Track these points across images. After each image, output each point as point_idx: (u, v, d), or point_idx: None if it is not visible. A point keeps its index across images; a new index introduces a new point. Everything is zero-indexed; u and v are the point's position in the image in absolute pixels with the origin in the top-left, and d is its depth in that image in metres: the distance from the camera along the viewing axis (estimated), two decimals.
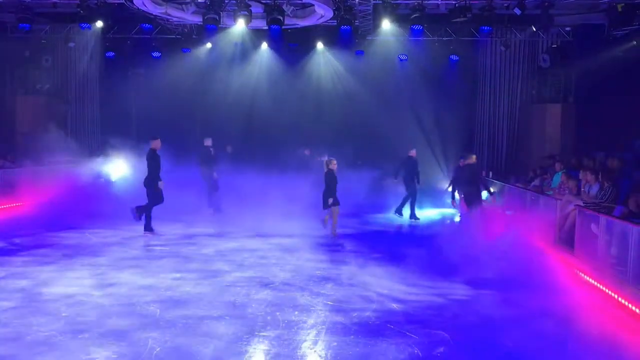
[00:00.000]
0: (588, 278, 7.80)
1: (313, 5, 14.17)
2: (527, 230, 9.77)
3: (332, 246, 10.38)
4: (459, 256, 8.79)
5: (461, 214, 13.48)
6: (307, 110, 17.71)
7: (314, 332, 5.84)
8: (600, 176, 9.62)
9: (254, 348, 5.40)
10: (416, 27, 14.69)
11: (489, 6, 13.69)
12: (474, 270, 8.08)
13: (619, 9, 13.19)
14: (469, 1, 13.76)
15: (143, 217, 10.88)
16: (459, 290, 7.48)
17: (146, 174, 10.78)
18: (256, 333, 5.77)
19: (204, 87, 18.08)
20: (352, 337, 5.71)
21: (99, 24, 15.68)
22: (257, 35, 16.65)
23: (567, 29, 16.64)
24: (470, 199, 10.92)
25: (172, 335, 5.63)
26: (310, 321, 6.16)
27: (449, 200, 14.69)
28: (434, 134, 17.23)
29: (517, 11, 13.44)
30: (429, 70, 17.48)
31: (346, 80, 18.40)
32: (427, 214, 14.23)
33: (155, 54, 17.66)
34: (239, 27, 14.33)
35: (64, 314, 6.21)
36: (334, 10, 13.96)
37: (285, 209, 12.19)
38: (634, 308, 6.50)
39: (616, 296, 6.94)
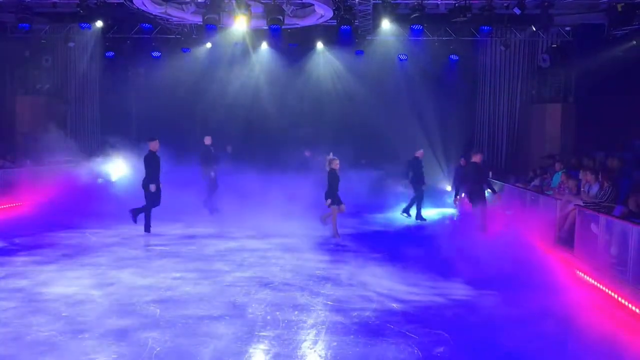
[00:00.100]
0: (588, 278, 7.80)
1: (313, 5, 14.18)
2: (527, 230, 9.78)
3: (332, 246, 10.38)
4: (459, 256, 8.80)
5: (461, 212, 13.50)
6: (307, 110, 17.73)
7: (313, 332, 5.84)
8: (600, 176, 9.61)
9: (254, 348, 5.40)
10: (416, 27, 14.69)
11: (488, 6, 13.69)
12: (474, 270, 8.08)
13: (619, 9, 13.19)
14: (468, 1, 13.77)
15: (142, 218, 10.87)
16: (459, 290, 7.48)
17: (144, 175, 10.78)
18: (256, 333, 5.77)
19: (204, 87, 18.08)
20: (352, 337, 5.71)
21: (99, 23, 15.70)
22: (257, 35, 16.65)
23: (567, 28, 16.65)
24: (474, 197, 10.89)
25: (172, 335, 5.63)
26: (310, 321, 6.16)
27: (450, 200, 14.74)
28: (434, 133, 17.24)
29: (517, 11, 13.44)
30: (429, 70, 17.49)
31: (346, 80, 18.40)
32: (427, 213, 14.22)
33: (155, 54, 17.66)
34: (239, 27, 14.34)
35: (64, 314, 6.21)
36: (333, 10, 13.96)
37: (285, 209, 12.21)
38: (634, 308, 6.50)
39: (616, 296, 6.94)
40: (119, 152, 15.08)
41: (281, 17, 13.59)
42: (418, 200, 13.55)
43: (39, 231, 10.86)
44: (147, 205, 10.78)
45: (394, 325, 6.06)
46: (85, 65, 18.17)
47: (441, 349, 5.42)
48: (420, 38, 16.13)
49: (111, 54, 17.55)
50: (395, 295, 7.22)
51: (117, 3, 14.50)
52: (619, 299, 6.84)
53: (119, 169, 15.53)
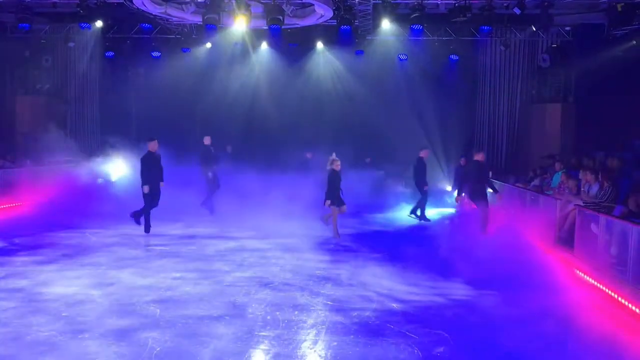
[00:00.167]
0: (588, 278, 7.80)
1: (313, 5, 14.17)
2: (527, 230, 9.78)
3: (332, 246, 10.38)
4: (459, 256, 8.80)
5: (460, 212, 13.48)
6: (307, 110, 17.72)
7: (313, 331, 5.84)
8: (600, 176, 9.62)
9: (254, 348, 5.40)
10: (416, 26, 14.69)
11: (488, 6, 13.69)
12: (474, 270, 8.07)
13: (619, 9, 13.19)
14: (468, 1, 13.76)
15: (142, 219, 10.88)
16: (459, 290, 7.48)
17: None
18: (256, 333, 5.77)
19: (204, 87, 18.08)
20: (352, 336, 5.71)
21: (99, 23, 15.69)
22: (257, 35, 16.65)
23: (567, 28, 16.64)
24: (476, 196, 10.86)
25: (172, 335, 5.63)
26: (310, 321, 6.16)
27: (451, 200, 14.73)
28: (434, 133, 17.24)
29: (517, 11, 13.44)
30: (429, 70, 17.49)
31: (346, 80, 18.40)
32: (427, 213, 14.21)
33: (155, 54, 17.66)
34: (239, 27, 14.34)
35: (64, 314, 6.21)
36: (333, 10, 13.96)
37: (285, 209, 12.21)
38: (634, 308, 6.50)
39: (616, 296, 6.94)
40: (119, 152, 15.08)
41: (281, 17, 13.59)
42: (423, 201, 13.50)
43: (39, 231, 10.86)
44: (145, 206, 10.77)
45: (394, 325, 6.06)
46: (85, 65, 18.16)
47: (441, 349, 5.42)
48: (420, 38, 16.13)
49: (111, 54, 17.55)
50: (395, 295, 7.22)
51: (117, 3, 14.50)
52: (619, 298, 6.84)
53: (118, 169, 15.53)
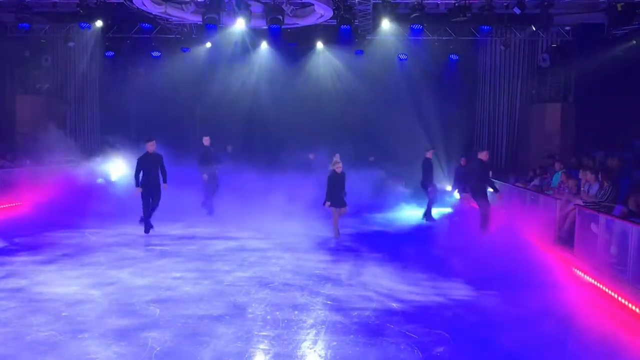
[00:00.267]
0: (588, 277, 7.80)
1: (313, 4, 14.17)
2: (527, 229, 9.77)
3: (332, 246, 10.37)
4: (459, 256, 8.81)
5: (460, 211, 13.46)
6: (307, 109, 17.70)
7: (313, 331, 5.84)
8: (599, 176, 9.62)
9: (254, 348, 5.40)
10: (416, 26, 14.66)
11: (488, 5, 13.67)
12: (474, 269, 8.08)
13: (619, 8, 13.17)
14: (468, 1, 13.75)
15: (154, 218, 10.87)
16: (459, 290, 7.48)
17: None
18: (256, 333, 5.77)
19: (204, 87, 18.07)
20: (351, 336, 5.71)
21: (99, 23, 15.67)
22: (257, 34, 16.64)
23: (567, 28, 16.64)
24: (478, 195, 10.83)
25: (172, 335, 5.63)
26: (310, 321, 6.16)
27: (451, 199, 14.71)
28: (433, 133, 17.22)
29: (517, 10, 13.43)
30: (429, 69, 17.48)
31: (346, 80, 18.39)
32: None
33: (155, 54, 17.64)
34: (239, 26, 14.32)
35: (64, 314, 6.21)
36: (333, 10, 13.95)
37: (285, 208, 12.21)
38: (633, 308, 6.50)
39: (616, 295, 6.94)
40: (119, 151, 15.07)
41: (281, 17, 13.58)
42: (430, 202, 13.47)
43: (38, 231, 10.85)
44: (143, 207, 10.74)
45: (394, 325, 6.06)
46: (85, 65, 18.15)
47: (441, 349, 5.42)
48: (420, 38, 16.11)
49: (111, 53, 17.53)
50: (395, 295, 7.22)
51: (116, 3, 14.49)
52: (619, 298, 6.85)
53: (118, 168, 15.52)
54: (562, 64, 16.54)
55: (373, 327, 5.99)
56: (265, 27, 14.22)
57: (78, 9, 14.07)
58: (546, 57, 16.79)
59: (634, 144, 12.81)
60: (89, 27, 15.44)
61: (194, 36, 17.29)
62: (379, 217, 13.92)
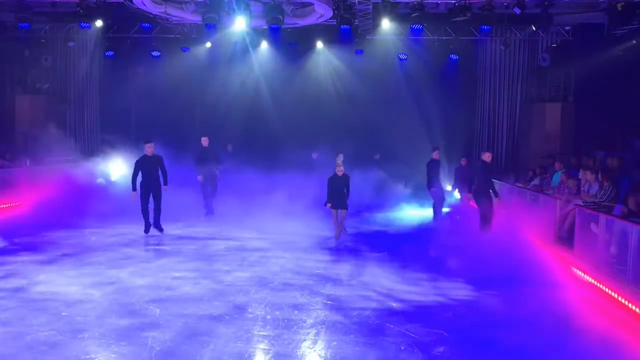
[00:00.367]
0: (587, 277, 7.80)
1: (313, 4, 14.16)
2: (527, 229, 9.77)
3: (332, 245, 10.37)
4: (459, 255, 8.81)
5: (455, 210, 13.45)
6: (307, 109, 17.70)
7: (313, 331, 5.84)
8: (599, 175, 9.62)
9: (254, 347, 5.40)
10: (416, 26, 14.68)
11: (488, 5, 13.66)
12: (474, 269, 8.08)
13: (619, 8, 13.15)
14: (468, 0, 13.75)
15: (160, 221, 10.89)
16: (459, 290, 7.48)
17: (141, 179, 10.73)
18: (256, 333, 5.77)
19: (204, 87, 18.07)
20: (351, 336, 5.71)
21: (99, 23, 15.67)
22: (257, 34, 16.63)
23: (567, 28, 16.63)
24: (479, 195, 10.80)
25: (171, 335, 5.63)
26: (310, 320, 6.16)
27: (452, 199, 14.70)
28: (433, 133, 17.21)
29: (517, 10, 13.42)
30: (429, 69, 17.48)
31: (346, 80, 18.38)
32: (427, 213, 14.22)
33: (155, 53, 17.64)
34: (239, 26, 14.31)
35: (63, 314, 6.21)
36: (333, 10, 13.95)
37: (285, 208, 12.20)
38: (633, 307, 6.51)
39: (616, 295, 6.94)
40: (119, 151, 15.06)
41: (281, 17, 13.58)
42: (436, 203, 13.44)
43: (38, 231, 10.85)
44: (141, 207, 10.69)
45: (394, 324, 6.06)
46: (85, 65, 18.13)
47: (441, 349, 5.42)
48: (420, 37, 16.08)
49: (111, 53, 17.53)
50: (396, 294, 7.22)
51: (116, 2, 14.48)
52: (619, 298, 6.85)
53: (118, 168, 15.52)
54: (562, 64, 16.52)
55: (373, 327, 5.98)
56: (265, 27, 14.22)
57: (78, 8, 14.06)
58: (546, 57, 16.78)
59: (634, 144, 12.81)
60: (89, 27, 15.45)
61: (194, 36, 17.29)
62: (379, 216, 13.91)
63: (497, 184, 13.26)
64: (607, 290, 7.19)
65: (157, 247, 9.98)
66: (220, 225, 11.90)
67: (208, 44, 17.68)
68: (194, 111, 18.58)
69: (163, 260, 8.99)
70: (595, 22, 15.01)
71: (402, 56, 17.31)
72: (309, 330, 5.86)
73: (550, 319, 6.21)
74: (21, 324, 5.87)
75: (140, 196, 10.58)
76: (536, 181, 12.83)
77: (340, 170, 10.67)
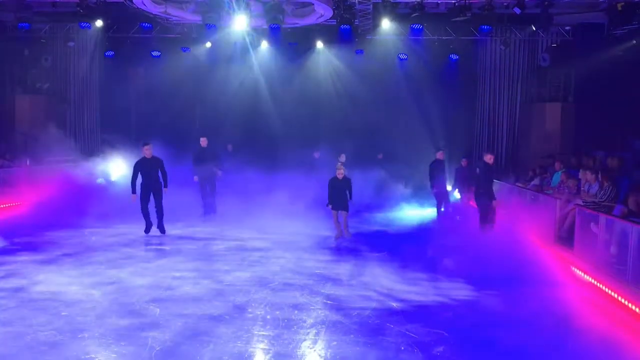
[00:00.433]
0: (587, 277, 7.80)
1: (313, 4, 14.16)
2: (527, 229, 9.78)
3: (332, 245, 10.37)
4: (459, 255, 8.81)
5: (458, 210, 13.45)
6: (307, 109, 17.71)
7: (313, 331, 5.84)
8: (599, 175, 9.62)
9: (254, 347, 5.40)
10: (416, 26, 14.68)
11: (488, 5, 13.67)
12: (474, 269, 8.08)
13: (619, 8, 13.16)
14: (468, 0, 13.75)
15: (163, 223, 10.90)
16: (459, 290, 7.48)
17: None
18: (256, 332, 5.77)
19: (204, 86, 18.07)
20: (351, 336, 5.71)
21: (99, 23, 15.66)
22: (257, 34, 16.63)
23: (567, 28, 16.63)
24: (480, 196, 10.79)
25: (171, 335, 5.63)
26: (310, 320, 6.16)
27: (454, 198, 14.70)
28: (433, 133, 17.22)
29: (517, 10, 13.42)
30: (429, 69, 17.47)
31: (346, 80, 18.38)
32: (427, 213, 14.23)
33: (155, 53, 17.63)
34: (239, 26, 14.30)
35: (63, 314, 6.21)
36: (333, 9, 13.95)
37: (286, 207, 12.20)
38: (633, 307, 6.50)
39: (616, 295, 6.94)
40: (119, 151, 15.06)
41: (281, 16, 13.58)
42: (441, 203, 13.42)
43: (38, 231, 10.86)
44: (141, 207, 10.69)
45: (394, 324, 6.06)
46: (85, 65, 18.12)
47: (441, 349, 5.42)
48: (420, 37, 16.07)
49: (111, 53, 17.52)
50: (396, 294, 7.22)
51: (116, 2, 14.48)
52: (619, 298, 6.85)
53: (118, 168, 15.52)
54: (562, 63, 16.52)
55: (373, 327, 5.98)
56: (265, 27, 14.22)
57: (78, 8, 14.07)
58: (546, 57, 16.78)
59: (634, 144, 12.81)
60: (89, 27, 15.44)
61: (194, 36, 17.27)
62: (379, 216, 13.91)
63: (497, 184, 13.27)
64: (607, 290, 7.19)
65: (157, 247, 9.98)
66: (220, 225, 11.91)
67: (208, 44, 17.66)
68: (194, 111, 18.58)
69: (163, 260, 8.99)
70: (595, 22, 15.00)
71: (402, 56, 17.31)
72: (309, 330, 5.86)
73: (550, 319, 6.21)
74: (21, 324, 5.87)
75: (141, 197, 10.59)
76: (536, 181, 12.83)
77: (340, 173, 10.65)
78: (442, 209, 13.34)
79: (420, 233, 11.92)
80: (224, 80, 17.99)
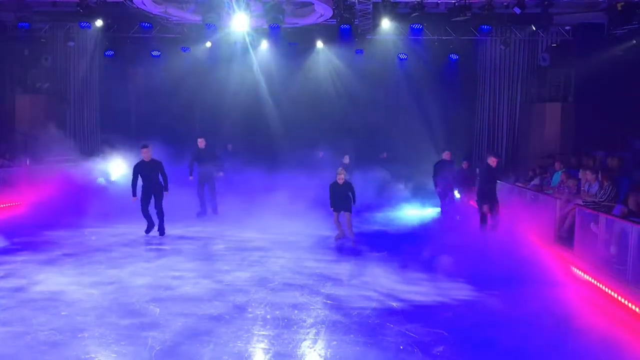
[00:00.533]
0: (587, 277, 7.80)
1: (313, 4, 14.17)
2: (527, 229, 9.78)
3: (332, 245, 10.37)
4: (459, 255, 8.80)
5: (458, 210, 13.46)
6: (307, 109, 17.70)
7: (313, 331, 5.84)
8: (599, 175, 9.62)
9: (254, 347, 5.40)
10: (416, 26, 14.68)
11: (488, 5, 13.68)
12: (475, 269, 8.08)
13: (619, 8, 13.17)
14: (468, 0, 13.76)
15: (163, 224, 10.91)
16: (459, 289, 7.48)
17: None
18: (255, 332, 5.77)
19: (204, 86, 18.07)
20: (351, 336, 5.71)
21: (99, 22, 15.67)
22: (257, 33, 16.62)
23: (567, 27, 16.63)
24: (482, 197, 10.78)
25: (171, 335, 5.63)
26: (310, 320, 6.16)
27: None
28: (433, 133, 17.23)
29: (517, 10, 13.43)
30: (429, 69, 17.48)
31: (346, 79, 18.39)
32: (427, 213, 14.23)
33: (155, 53, 17.64)
34: (239, 26, 14.30)
35: (63, 314, 6.21)
36: (333, 9, 13.96)
37: (285, 208, 12.20)
38: (633, 307, 6.51)
39: (616, 295, 6.94)
40: (119, 151, 15.07)
41: (281, 16, 13.59)
42: (442, 202, 13.41)
43: (38, 230, 10.85)
44: (141, 208, 10.70)
45: (394, 324, 6.06)
46: (85, 65, 18.12)
47: (441, 349, 5.42)
48: (420, 37, 16.10)
49: (111, 53, 17.53)
50: (396, 294, 7.22)
51: (116, 2, 14.49)
52: (619, 298, 6.85)
53: (118, 168, 15.52)
54: (562, 63, 16.52)
55: (373, 327, 5.98)
56: (265, 27, 14.22)
57: (78, 8, 14.08)
58: (546, 57, 16.78)
59: (634, 144, 12.81)
60: (89, 27, 15.44)
61: (194, 36, 17.27)
62: (379, 216, 13.91)
63: (498, 184, 13.27)
64: (607, 290, 7.19)
65: (157, 247, 9.98)
66: (221, 225, 11.90)
67: (208, 44, 17.67)
68: (193, 111, 18.57)
69: (163, 260, 8.99)
70: (595, 22, 15.01)
71: (402, 56, 17.32)
72: (308, 330, 5.86)
73: (550, 319, 6.21)
74: (21, 324, 5.87)
75: (141, 198, 10.60)
76: (536, 181, 12.83)
77: (340, 178, 10.61)
78: (446, 208, 13.37)
79: (420, 233, 11.92)
80: (224, 80, 17.99)
